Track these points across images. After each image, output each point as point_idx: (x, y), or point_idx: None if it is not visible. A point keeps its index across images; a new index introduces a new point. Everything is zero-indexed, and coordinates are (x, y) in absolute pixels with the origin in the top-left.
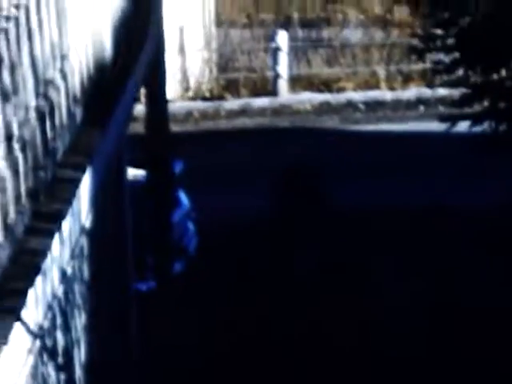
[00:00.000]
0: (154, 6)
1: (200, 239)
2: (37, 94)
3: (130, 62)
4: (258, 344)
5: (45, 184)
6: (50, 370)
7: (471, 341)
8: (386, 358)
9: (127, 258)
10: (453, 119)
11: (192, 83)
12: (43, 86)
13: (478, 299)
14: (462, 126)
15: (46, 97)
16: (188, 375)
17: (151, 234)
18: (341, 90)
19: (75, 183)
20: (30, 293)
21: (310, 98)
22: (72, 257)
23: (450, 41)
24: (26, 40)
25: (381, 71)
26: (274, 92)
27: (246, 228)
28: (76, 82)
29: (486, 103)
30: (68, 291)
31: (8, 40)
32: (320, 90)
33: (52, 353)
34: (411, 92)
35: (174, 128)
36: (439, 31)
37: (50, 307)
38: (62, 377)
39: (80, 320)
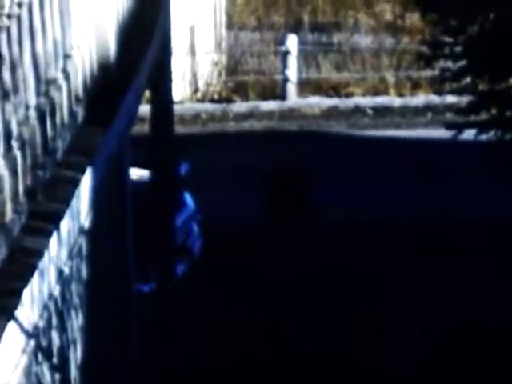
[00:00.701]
0: (161, 6)
1: (204, 241)
2: (38, 93)
3: (135, 62)
4: (259, 348)
5: (43, 183)
6: (45, 370)
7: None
8: None
9: (128, 258)
10: (459, 127)
11: (201, 85)
12: (45, 85)
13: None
14: (470, 134)
15: (48, 96)
16: (189, 378)
17: (155, 235)
18: (349, 95)
19: (75, 183)
20: (26, 292)
21: (318, 103)
22: (70, 257)
23: (459, 48)
24: (28, 39)
25: (390, 77)
26: (282, 95)
27: (246, 230)
28: (79, 82)
29: (492, 111)
30: (65, 291)
31: (9, 38)
32: (328, 95)
33: (47, 353)
34: (419, 99)
35: (182, 129)
36: (448, 38)
37: (46, 307)
38: (57, 377)
39: (77, 320)
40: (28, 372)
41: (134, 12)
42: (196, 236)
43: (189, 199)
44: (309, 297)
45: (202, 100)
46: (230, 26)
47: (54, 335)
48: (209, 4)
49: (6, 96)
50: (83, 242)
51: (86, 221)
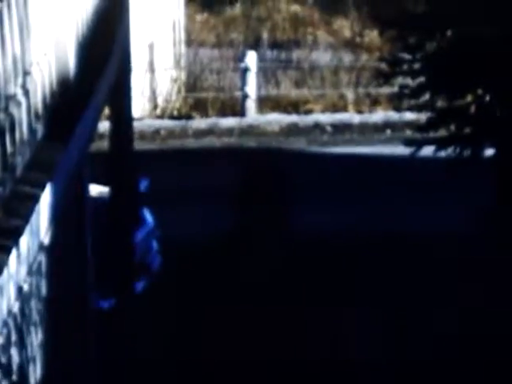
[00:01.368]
0: (121, 23)
1: (163, 257)
2: None
3: (95, 78)
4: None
5: (3, 199)
6: None
7: None
8: None
9: (88, 275)
10: (418, 143)
11: (160, 101)
12: (4, 101)
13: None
14: (428, 150)
15: (7, 112)
16: None
17: (114, 252)
18: (309, 111)
19: (34, 199)
20: None
21: (277, 119)
22: (29, 273)
23: (417, 65)
24: None
25: (349, 94)
26: (241, 112)
27: (207, 246)
28: (38, 98)
29: (451, 128)
30: (24, 308)
31: None
32: (288, 112)
33: (6, 370)
34: (378, 115)
35: (142, 146)
36: (406, 55)
37: (5, 324)
38: None
39: (36, 337)
40: None
41: (94, 29)
42: (155, 252)
43: (148, 215)
44: (266, 308)
45: (161, 116)
46: (189, 43)
47: (14, 352)
48: (168, 21)
49: None
50: (43, 258)
51: (45, 237)
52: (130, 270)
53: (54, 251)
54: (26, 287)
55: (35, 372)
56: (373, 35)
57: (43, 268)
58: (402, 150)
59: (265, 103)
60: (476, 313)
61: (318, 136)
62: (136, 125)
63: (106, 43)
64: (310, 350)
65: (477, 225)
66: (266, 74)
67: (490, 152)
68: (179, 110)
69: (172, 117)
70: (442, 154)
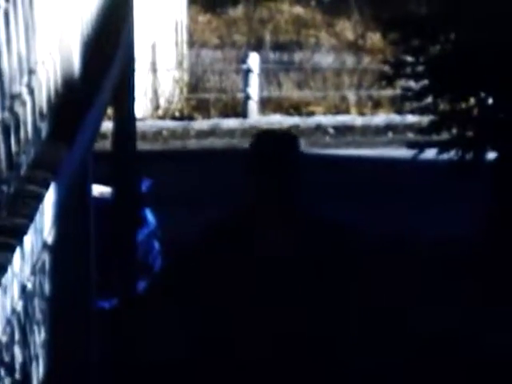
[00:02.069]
0: (125, 23)
1: (164, 257)
2: (2, 108)
3: (99, 78)
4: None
5: (7, 198)
6: None
7: None
8: None
9: (90, 274)
10: (420, 146)
11: (162, 102)
12: (9, 100)
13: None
14: (430, 153)
15: (12, 111)
16: None
17: (116, 252)
18: (310, 113)
19: (38, 198)
20: None
21: (279, 121)
22: (33, 272)
23: (420, 68)
24: None
25: (351, 96)
26: (243, 113)
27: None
28: (43, 97)
29: (453, 131)
30: (28, 307)
31: None
32: (290, 113)
33: (9, 368)
34: (380, 118)
35: (143, 146)
36: (409, 58)
37: (8, 322)
38: None
39: (40, 336)
40: None
41: (98, 29)
42: (156, 253)
43: (150, 216)
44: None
45: (163, 117)
46: (191, 43)
47: (17, 350)
48: (170, 22)
49: None
50: (46, 257)
51: (49, 236)
52: (132, 270)
53: (57, 250)
54: (29, 286)
55: (38, 371)
56: (375, 37)
57: (47, 267)
58: (403, 153)
59: (267, 105)
60: (475, 312)
61: (320, 138)
62: (138, 125)
63: (110, 43)
64: None
65: (479, 227)
66: (268, 75)
67: (492, 155)
68: (181, 111)
69: (174, 117)
70: (445, 156)
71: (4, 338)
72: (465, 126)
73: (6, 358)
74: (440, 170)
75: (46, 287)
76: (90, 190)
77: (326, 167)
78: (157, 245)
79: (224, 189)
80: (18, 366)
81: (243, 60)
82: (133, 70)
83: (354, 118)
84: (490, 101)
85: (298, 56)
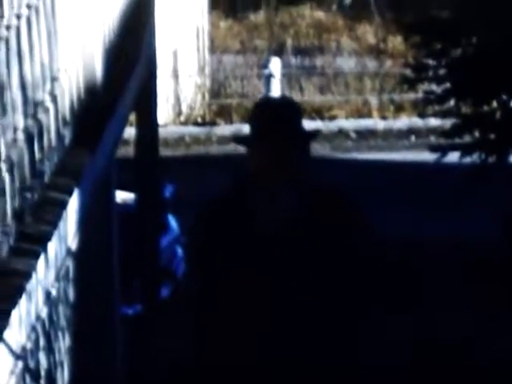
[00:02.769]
0: (147, 30)
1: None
2: (26, 116)
3: (121, 84)
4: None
5: (31, 205)
6: None
7: None
8: None
9: (114, 281)
10: (443, 149)
11: (184, 108)
12: (32, 107)
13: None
14: (453, 157)
15: (35, 118)
16: None
17: (139, 258)
18: (332, 117)
19: (62, 205)
20: (14, 314)
21: None
22: (57, 279)
23: (442, 71)
24: (16, 61)
25: (373, 100)
26: None
27: None
28: (66, 104)
29: (476, 134)
30: (52, 313)
31: None
32: (312, 118)
33: (34, 374)
34: (403, 122)
35: (166, 152)
36: (431, 61)
37: (33, 328)
38: None
39: (64, 342)
40: None
41: (120, 36)
42: (180, 259)
43: (173, 222)
44: None
45: (185, 123)
46: (213, 49)
47: (42, 357)
48: (192, 28)
49: None
50: (70, 263)
51: (72, 243)
52: (156, 277)
53: (81, 257)
54: (53, 292)
55: (63, 377)
56: (397, 41)
57: (71, 273)
58: (426, 156)
59: None
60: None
61: (342, 142)
62: (160, 131)
63: (132, 49)
64: None
65: (502, 231)
66: (290, 80)
67: None
68: (203, 117)
69: (196, 123)
70: (467, 160)
71: (29, 345)
72: (487, 129)
73: (31, 365)
74: (463, 173)
75: (70, 294)
76: (113, 196)
77: (348, 171)
78: (180, 251)
79: None
80: (43, 373)
81: (265, 65)
82: (155, 77)
83: (376, 122)
84: None
85: (319, 60)
